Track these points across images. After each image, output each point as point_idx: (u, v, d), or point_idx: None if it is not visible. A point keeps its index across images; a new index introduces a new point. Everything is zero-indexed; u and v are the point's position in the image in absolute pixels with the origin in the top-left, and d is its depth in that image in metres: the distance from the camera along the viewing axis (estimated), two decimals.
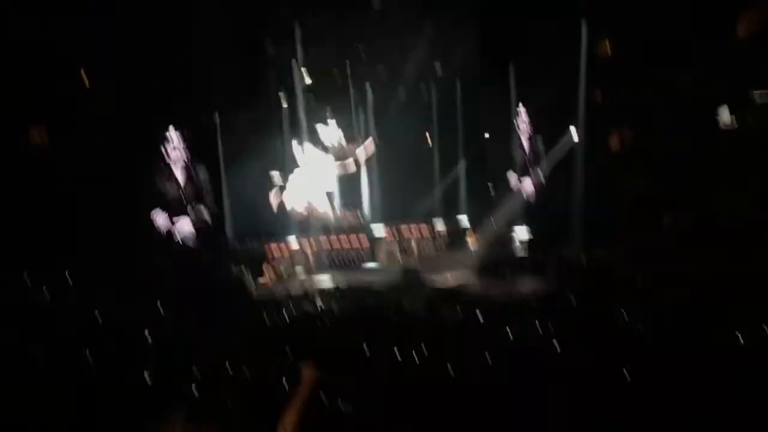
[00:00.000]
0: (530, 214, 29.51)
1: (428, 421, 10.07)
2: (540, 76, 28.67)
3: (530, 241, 27.79)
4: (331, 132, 29.61)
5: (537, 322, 15.85)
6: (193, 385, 9.57)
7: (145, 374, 8.89)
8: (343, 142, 29.74)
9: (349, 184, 29.76)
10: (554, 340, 13.95)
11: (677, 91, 25.68)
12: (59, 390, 5.95)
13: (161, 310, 18.79)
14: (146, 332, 13.73)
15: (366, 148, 29.34)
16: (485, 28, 26.53)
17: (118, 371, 8.58)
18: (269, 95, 27.47)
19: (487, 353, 13.26)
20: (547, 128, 30.30)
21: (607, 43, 28.91)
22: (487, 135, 30.18)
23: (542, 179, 30.70)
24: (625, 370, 11.45)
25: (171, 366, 11.10)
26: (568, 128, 29.78)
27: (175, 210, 24.76)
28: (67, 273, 18.22)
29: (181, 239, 24.64)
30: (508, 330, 15.40)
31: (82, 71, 23.33)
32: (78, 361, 7.89)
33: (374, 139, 29.54)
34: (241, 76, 25.53)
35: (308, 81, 27.73)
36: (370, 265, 27.23)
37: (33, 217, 20.45)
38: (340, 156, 29.60)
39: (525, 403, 10.14)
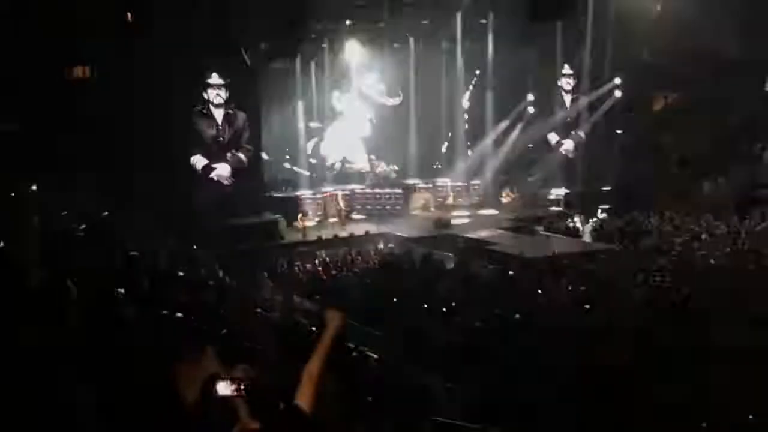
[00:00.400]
0: (568, 174, 29.29)
1: (451, 371, 10.25)
2: (585, 38, 28.30)
3: (566, 201, 27.60)
4: (370, 84, 29.54)
5: (565, 282, 16.00)
6: (225, 326, 9.81)
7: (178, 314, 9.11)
8: (382, 95, 29.68)
9: (387, 137, 29.73)
10: (582, 303, 14.12)
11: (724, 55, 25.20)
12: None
13: (196, 250, 19.23)
14: (180, 271, 14.10)
15: (397, 99, 29.36)
16: None
17: (151, 307, 8.80)
18: (314, 45, 27.35)
19: (511, 308, 13.46)
20: (590, 89, 29.94)
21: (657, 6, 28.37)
22: (529, 96, 29.78)
23: (583, 139, 30.41)
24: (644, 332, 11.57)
25: (203, 305, 11.40)
26: (611, 90, 29.43)
27: (214, 154, 24.99)
28: (105, 211, 18.58)
29: (219, 182, 24.91)
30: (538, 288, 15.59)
31: (129, 13, 23.52)
32: (113, 296, 8.11)
33: (401, 93, 29.49)
34: (285, 25, 25.48)
35: (352, 33, 27.60)
36: (404, 216, 27.31)
37: (78, 154, 20.84)
38: (378, 107, 29.63)
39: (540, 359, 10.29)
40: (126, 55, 22.57)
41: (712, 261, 17.65)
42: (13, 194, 15.41)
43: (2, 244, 9.69)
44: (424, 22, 28.11)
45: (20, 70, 20.57)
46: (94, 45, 22.38)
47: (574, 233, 23.33)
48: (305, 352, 3.87)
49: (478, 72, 29.69)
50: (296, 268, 19.46)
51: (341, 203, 26.78)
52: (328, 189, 27.65)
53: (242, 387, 3.20)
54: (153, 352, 4.91)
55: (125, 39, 22.71)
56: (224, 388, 3.20)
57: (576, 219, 24.47)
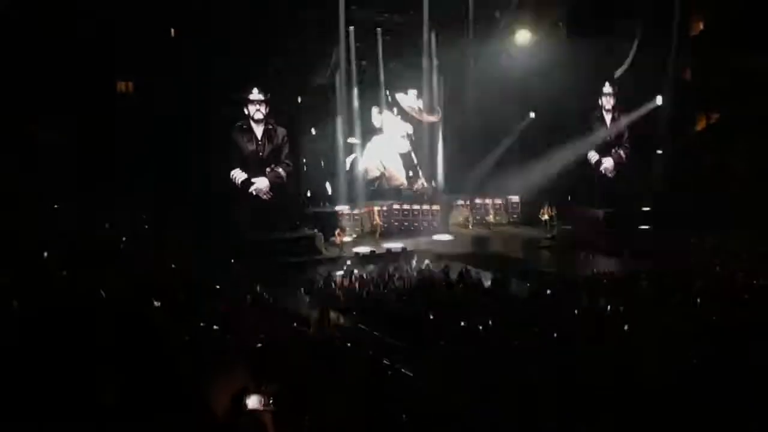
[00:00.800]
0: (608, 192, 28.93)
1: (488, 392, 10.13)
2: (626, 55, 28.03)
3: (606, 220, 27.25)
4: (409, 101, 29.60)
5: (605, 302, 15.74)
6: (260, 340, 9.84)
7: (214, 327, 9.16)
8: (421, 112, 29.69)
9: (425, 153, 29.73)
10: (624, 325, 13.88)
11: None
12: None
13: (234, 264, 19.36)
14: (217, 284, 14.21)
15: (436, 116, 29.30)
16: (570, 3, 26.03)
17: (187, 319, 8.87)
18: (351, 62, 27.53)
19: (552, 330, 13.27)
20: (631, 108, 29.63)
21: (699, 23, 28.09)
22: (569, 114, 29.54)
23: (624, 159, 30.08)
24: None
25: (239, 319, 11.45)
26: (653, 109, 29.06)
27: (254, 169, 25.21)
28: (145, 219, 18.85)
29: (258, 197, 25.11)
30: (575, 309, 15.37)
31: (172, 30, 23.93)
32: (148, 309, 8.20)
33: (440, 110, 29.41)
34: (324, 43, 25.77)
35: (390, 52, 27.77)
36: (441, 233, 27.25)
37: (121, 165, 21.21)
38: (417, 123, 29.65)
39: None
40: (168, 70, 22.99)
41: (754, 282, 17.28)
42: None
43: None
44: (465, 38, 28.11)
45: (65, 83, 21.07)
46: (137, 60, 22.83)
47: (613, 252, 23.00)
48: (338, 368, 3.86)
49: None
50: (333, 283, 19.47)
51: (378, 219, 26.83)
52: (366, 205, 27.71)
53: (272, 401, 3.20)
54: (188, 363, 4.96)
55: (168, 54, 23.13)
56: (255, 402, 3.20)
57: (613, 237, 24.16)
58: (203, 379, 3.42)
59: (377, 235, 26.11)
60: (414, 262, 21.71)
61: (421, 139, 29.77)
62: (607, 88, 29.68)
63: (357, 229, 26.73)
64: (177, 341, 6.48)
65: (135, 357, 4.90)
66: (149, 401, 4.23)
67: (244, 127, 25.28)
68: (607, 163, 30.02)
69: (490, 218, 28.38)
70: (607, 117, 30.03)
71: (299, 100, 26.33)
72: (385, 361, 10.82)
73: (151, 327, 6.38)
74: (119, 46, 22.11)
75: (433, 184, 29.66)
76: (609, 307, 15.35)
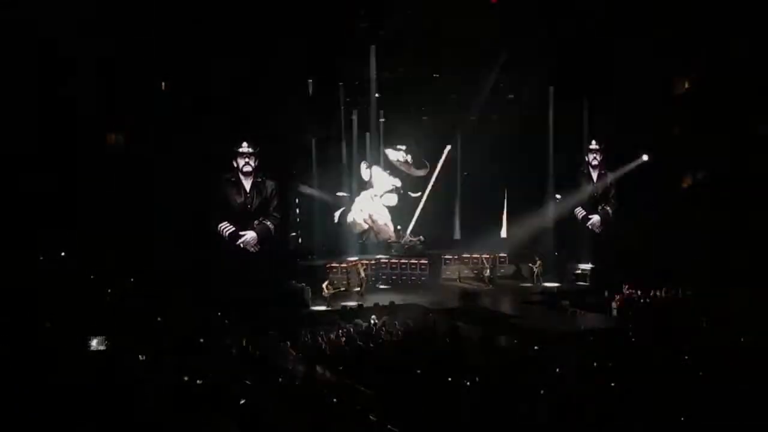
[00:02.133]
0: (596, 249, 29.02)
1: None
2: (612, 114, 28.38)
3: (593, 276, 27.30)
4: (398, 155, 29.84)
5: (593, 360, 15.67)
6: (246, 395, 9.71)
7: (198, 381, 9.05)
8: (410, 167, 29.91)
9: (413, 208, 29.88)
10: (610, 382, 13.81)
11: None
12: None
13: (219, 317, 19.19)
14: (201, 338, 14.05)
15: (424, 170, 29.50)
16: (558, 66, 26.42)
17: (173, 374, 8.75)
18: (339, 118, 27.78)
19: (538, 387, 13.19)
20: (616, 165, 29.93)
21: (684, 83, 28.58)
22: (553, 169, 29.79)
23: (610, 215, 30.27)
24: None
25: (224, 373, 11.31)
26: (639, 166, 29.32)
27: (242, 221, 25.19)
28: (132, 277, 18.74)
29: (245, 250, 25.05)
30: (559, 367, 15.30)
31: (162, 83, 24.14)
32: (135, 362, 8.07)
33: (428, 165, 29.60)
34: (315, 99, 26.06)
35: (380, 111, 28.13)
36: (429, 286, 27.23)
37: (109, 220, 21.18)
38: (405, 178, 29.85)
39: None
40: (158, 123, 23.13)
41: (742, 339, 17.26)
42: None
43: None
44: (453, 96, 28.45)
45: (60, 131, 21.17)
46: (127, 112, 22.97)
47: (601, 309, 22.97)
48: (325, 424, 3.81)
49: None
50: (319, 338, 19.30)
51: (362, 273, 26.69)
52: (353, 258, 27.68)
53: None
54: (172, 418, 4.86)
55: (158, 107, 23.30)
56: None
57: (604, 294, 24.15)
58: None
59: (362, 289, 25.97)
60: (402, 317, 21.58)
61: (409, 192, 29.95)
62: (594, 145, 30.03)
63: (344, 282, 26.63)
64: (161, 397, 6.39)
65: (111, 413, 4.83)
66: None
67: (233, 179, 25.33)
68: (594, 219, 30.20)
69: (487, 272, 28.35)
70: (594, 173, 30.32)
71: (289, 153, 26.48)
72: (371, 417, 10.70)
73: (133, 382, 6.30)
74: (110, 98, 22.28)
75: (421, 238, 29.71)
76: (596, 364, 15.36)
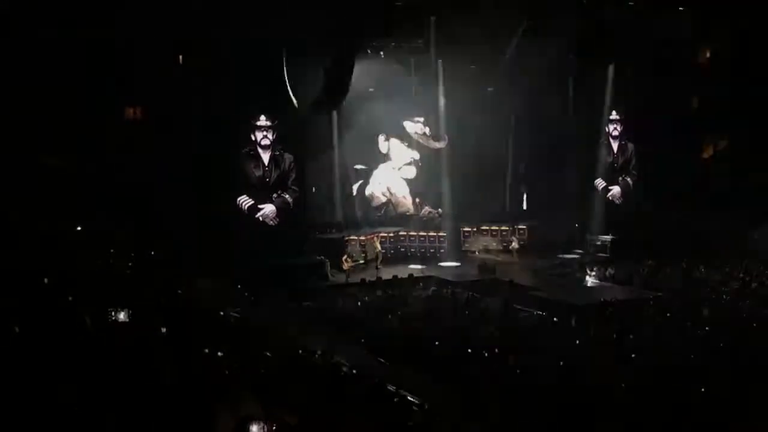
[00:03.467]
0: (615, 220, 28.82)
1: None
2: (634, 82, 28.04)
3: (612, 248, 27.13)
4: (416, 128, 29.65)
5: (612, 330, 15.66)
6: (265, 367, 9.76)
7: (219, 354, 9.10)
8: (428, 139, 29.72)
9: (431, 182, 29.73)
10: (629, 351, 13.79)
11: None
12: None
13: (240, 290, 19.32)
14: (222, 312, 14.15)
15: (443, 143, 29.28)
16: (581, 30, 26.05)
17: (194, 348, 8.80)
18: (358, 90, 27.57)
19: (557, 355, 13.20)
20: (639, 135, 29.65)
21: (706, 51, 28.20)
22: (576, 140, 29.52)
23: (631, 186, 30.07)
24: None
25: (246, 346, 11.39)
26: (661, 136, 29.00)
27: (260, 195, 25.24)
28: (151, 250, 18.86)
29: (265, 223, 25.13)
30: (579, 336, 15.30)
31: (180, 57, 24.11)
32: (155, 335, 8.13)
33: (446, 137, 29.36)
34: (333, 70, 25.86)
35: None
36: (447, 260, 27.19)
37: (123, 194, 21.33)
38: (423, 151, 29.67)
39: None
40: (176, 96, 23.14)
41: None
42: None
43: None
44: (472, 66, 28.17)
45: (77, 108, 21.26)
46: (145, 85, 22.98)
47: (621, 280, 22.88)
48: (341, 396, 3.81)
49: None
50: (340, 310, 19.41)
51: (378, 246, 26.64)
52: (370, 231, 27.63)
53: (275, 429, 3.16)
54: (192, 390, 4.91)
55: (175, 80, 23.29)
56: (258, 430, 3.16)
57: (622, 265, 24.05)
58: (205, 406, 3.38)
59: (378, 262, 25.96)
60: (421, 289, 21.63)
61: (428, 164, 29.79)
62: (614, 115, 29.75)
63: (363, 255, 26.65)
64: (180, 369, 6.42)
65: (136, 385, 4.86)
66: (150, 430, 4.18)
67: (251, 153, 25.35)
68: (615, 190, 30.02)
69: (515, 245, 28.25)
70: (614, 144, 30.07)
71: (307, 126, 26.40)
72: (390, 387, 10.75)
73: (156, 354, 6.34)
74: (127, 71, 22.30)
75: (440, 210, 29.60)
76: (615, 335, 15.34)
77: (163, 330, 8.42)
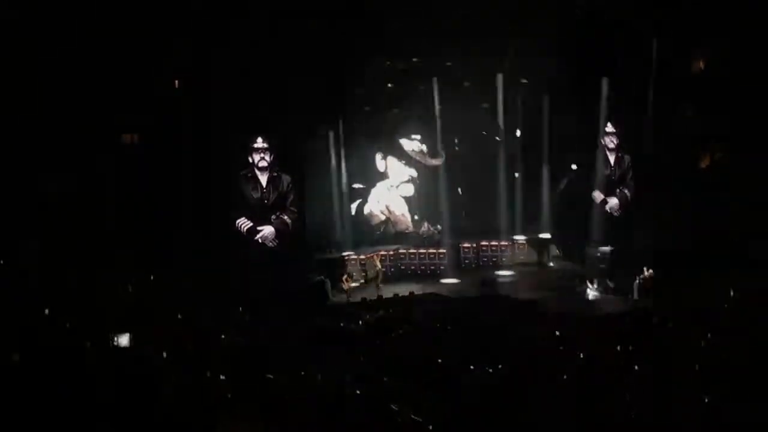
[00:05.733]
0: (614, 233, 28.80)
1: None
2: (630, 93, 28.08)
3: (612, 261, 27.08)
4: (413, 146, 29.74)
5: (614, 344, 15.60)
6: (266, 391, 9.73)
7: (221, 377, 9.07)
8: (425, 156, 29.80)
9: (429, 198, 29.75)
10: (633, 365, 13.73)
11: None
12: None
13: (240, 313, 19.28)
14: (222, 335, 14.09)
15: (439, 160, 29.33)
16: (576, 44, 26.17)
17: (193, 373, 8.76)
18: (355, 108, 27.68)
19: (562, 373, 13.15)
20: (636, 146, 29.65)
21: (700, 62, 28.27)
22: (572, 152, 29.54)
23: (629, 198, 30.04)
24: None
25: (246, 369, 11.34)
26: (659, 147, 29.02)
27: (259, 216, 25.22)
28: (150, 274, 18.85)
29: (263, 245, 25.08)
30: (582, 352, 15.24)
31: (176, 80, 24.21)
32: (151, 360, 8.09)
33: (443, 154, 29.39)
34: (329, 90, 25.94)
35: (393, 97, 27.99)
36: (448, 277, 27.14)
37: (121, 218, 21.35)
38: (420, 168, 29.74)
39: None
40: (172, 120, 23.21)
41: None
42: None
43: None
44: (466, 84, 28.30)
45: (72, 128, 21.32)
46: (140, 111, 23.07)
47: (622, 292, 22.87)
48: (345, 414, 3.80)
49: (518, 133, 29.73)
50: (341, 330, 19.35)
51: (378, 264, 26.62)
52: (370, 250, 27.64)
53: None
54: (196, 411, 4.85)
55: (171, 104, 23.38)
56: None
57: (622, 277, 24.02)
58: (209, 428, 3.34)
59: (378, 280, 25.92)
60: (422, 307, 21.59)
61: (425, 182, 29.87)
62: (609, 128, 29.78)
63: (363, 274, 26.61)
64: (182, 394, 6.38)
65: (137, 409, 4.82)
66: None
67: (249, 175, 25.31)
68: (612, 202, 29.99)
69: (493, 261, 28.26)
70: (611, 156, 30.06)
71: (304, 146, 26.48)
72: (393, 407, 10.70)
73: (156, 379, 6.30)
74: (122, 96, 22.37)
75: (438, 227, 29.61)
76: (619, 347, 15.28)
77: (164, 354, 8.39)
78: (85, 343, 7.17)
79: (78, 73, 21.26)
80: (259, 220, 26.16)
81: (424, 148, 30.55)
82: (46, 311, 9.69)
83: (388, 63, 27.04)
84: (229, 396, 7.66)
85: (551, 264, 28.23)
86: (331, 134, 27.22)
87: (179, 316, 13.92)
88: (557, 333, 17.02)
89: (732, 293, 19.53)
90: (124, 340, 7.27)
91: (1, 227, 16.82)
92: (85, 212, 20.15)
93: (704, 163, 29.15)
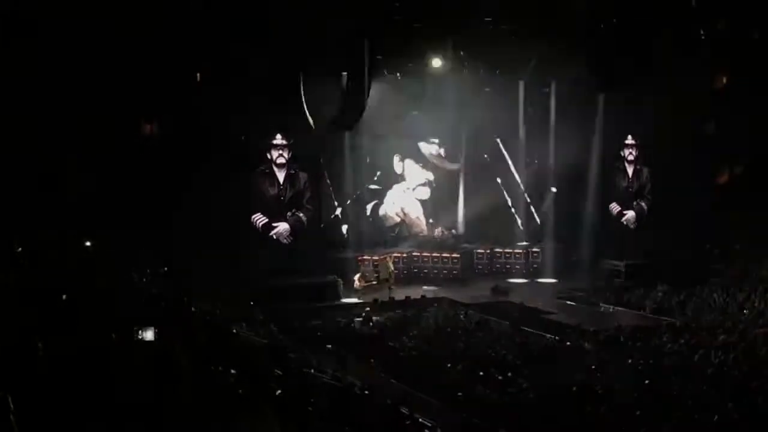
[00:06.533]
0: (629, 246, 28.68)
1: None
2: (648, 107, 27.99)
3: (626, 273, 26.96)
4: (431, 149, 29.75)
5: (626, 357, 15.58)
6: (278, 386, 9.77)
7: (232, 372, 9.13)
8: (443, 160, 29.81)
9: (445, 203, 29.78)
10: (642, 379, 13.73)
11: None
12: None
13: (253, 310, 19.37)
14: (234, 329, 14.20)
15: (457, 164, 29.42)
16: (593, 55, 26.13)
17: (208, 367, 8.83)
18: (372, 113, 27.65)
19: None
20: (654, 160, 29.56)
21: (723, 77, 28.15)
22: (590, 163, 29.44)
23: (645, 211, 29.93)
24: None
25: (257, 365, 11.41)
26: (676, 162, 28.89)
27: (275, 213, 25.35)
28: (165, 266, 18.97)
29: (278, 241, 25.22)
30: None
31: (198, 74, 24.32)
32: (168, 353, 8.16)
33: (461, 159, 29.51)
34: (349, 93, 25.99)
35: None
36: (461, 280, 27.15)
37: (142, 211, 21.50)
38: (438, 171, 29.74)
39: None
40: (192, 113, 23.34)
41: None
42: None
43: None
44: (486, 90, 28.28)
45: (92, 121, 21.47)
46: (162, 102, 23.21)
47: (635, 306, 22.76)
48: (355, 415, 3.83)
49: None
50: (352, 331, 19.43)
51: (391, 266, 26.58)
52: (384, 251, 27.62)
53: None
54: (208, 407, 4.92)
55: (192, 98, 23.49)
56: None
57: (636, 291, 23.92)
58: (225, 424, 3.39)
59: (390, 283, 25.90)
60: (433, 310, 21.59)
61: (442, 186, 29.86)
62: (630, 140, 29.70)
63: (375, 275, 26.64)
64: (198, 387, 6.44)
65: (157, 402, 4.89)
66: None
67: (267, 171, 25.48)
68: (629, 215, 29.91)
69: (505, 268, 28.31)
70: (629, 168, 30.00)
71: (322, 145, 26.53)
72: (403, 410, 10.73)
73: (176, 371, 6.37)
74: (145, 87, 22.50)
75: (453, 231, 29.59)
76: (630, 361, 15.26)
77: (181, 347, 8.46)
78: (111, 335, 7.27)
79: (101, 64, 21.44)
80: (275, 216, 26.36)
81: (442, 151, 30.59)
82: (64, 298, 9.81)
83: (410, 65, 27.10)
84: (242, 391, 7.72)
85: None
86: (348, 134, 27.38)
87: (193, 309, 14.02)
88: (567, 343, 17.04)
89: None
90: (149, 334, 7.37)
91: (21, 215, 16.97)
92: (104, 202, 20.25)
93: (722, 179, 29.06)
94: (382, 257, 27.12)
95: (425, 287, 25.62)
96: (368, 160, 28.25)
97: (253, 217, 25.20)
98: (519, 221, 29.94)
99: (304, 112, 24.74)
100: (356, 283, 24.70)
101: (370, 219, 28.92)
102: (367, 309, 21.45)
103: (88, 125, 21.41)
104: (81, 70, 21.18)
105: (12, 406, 4.48)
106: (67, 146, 21.12)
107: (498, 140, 29.38)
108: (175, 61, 22.86)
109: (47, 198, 19.31)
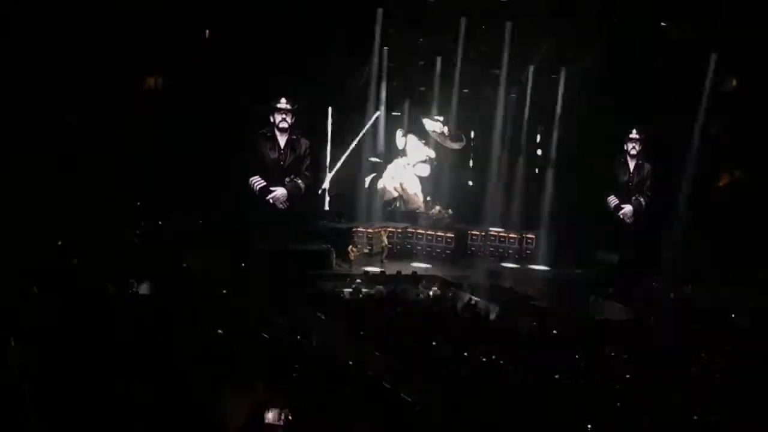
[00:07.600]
0: (624, 238, 28.77)
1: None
2: (655, 104, 27.95)
3: (617, 266, 27.07)
4: (434, 126, 29.64)
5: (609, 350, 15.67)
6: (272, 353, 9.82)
7: (219, 331, 9.16)
8: (446, 139, 29.71)
9: (444, 181, 29.74)
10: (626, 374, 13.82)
11: None
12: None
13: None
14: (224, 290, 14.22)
15: (460, 144, 29.38)
16: (603, 50, 26.07)
17: (198, 326, 8.85)
18: (381, 82, 27.54)
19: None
20: (656, 156, 29.56)
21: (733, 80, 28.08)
22: (591, 154, 29.44)
23: (643, 206, 29.98)
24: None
25: (245, 329, 11.45)
26: (679, 159, 28.88)
27: (273, 177, 25.30)
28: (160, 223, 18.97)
29: (274, 206, 25.20)
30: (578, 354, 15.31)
31: (207, 32, 24.17)
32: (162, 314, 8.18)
33: (464, 138, 29.48)
34: (357, 60, 25.85)
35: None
36: (454, 260, 27.22)
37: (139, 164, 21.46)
38: (440, 149, 29.69)
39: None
40: (198, 70, 23.20)
41: None
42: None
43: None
44: (496, 71, 28.18)
45: (95, 73, 21.31)
46: (168, 56, 23.04)
47: (624, 298, 22.87)
48: (344, 385, 3.86)
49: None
50: (341, 301, 19.47)
51: (385, 240, 26.63)
52: (379, 224, 27.63)
53: (288, 417, 3.22)
54: (203, 369, 4.95)
55: (199, 54, 23.34)
56: (272, 417, 3.22)
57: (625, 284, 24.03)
58: (220, 391, 3.42)
59: (383, 256, 25.97)
60: (423, 287, 21.67)
61: (443, 164, 29.81)
62: (634, 134, 29.67)
63: (369, 247, 26.68)
64: (195, 349, 6.46)
65: (154, 361, 4.92)
66: (162, 412, 4.23)
67: (268, 134, 25.40)
68: (627, 209, 29.96)
69: (499, 251, 28.44)
70: (631, 163, 30.00)
71: (327, 113, 26.43)
72: (385, 384, 10.78)
73: (175, 331, 6.40)
74: (151, 40, 22.32)
75: (449, 211, 29.57)
76: (613, 354, 15.35)
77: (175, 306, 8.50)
78: (108, 288, 7.31)
79: (109, 16, 21.27)
80: (273, 180, 26.29)
81: (445, 130, 30.49)
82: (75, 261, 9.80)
83: (421, 40, 26.96)
84: (235, 356, 7.74)
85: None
86: (354, 104, 27.28)
87: (185, 266, 14.03)
88: (554, 331, 17.13)
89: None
90: (144, 287, 7.42)
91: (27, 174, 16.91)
92: (106, 156, 20.18)
93: (723, 182, 29.06)
94: (376, 230, 27.17)
95: (417, 264, 25.73)
96: (371, 132, 28.17)
97: (251, 179, 25.15)
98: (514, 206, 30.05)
99: (312, 78, 24.67)
100: (350, 254, 24.74)
101: (368, 191, 28.90)
102: (358, 281, 21.53)
103: (88, 78, 21.26)
104: (91, 21, 21.03)
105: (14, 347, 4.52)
106: (70, 96, 20.97)
107: (500, 123, 29.32)
108: (184, 14, 22.71)
109: (45, 146, 19.21)
